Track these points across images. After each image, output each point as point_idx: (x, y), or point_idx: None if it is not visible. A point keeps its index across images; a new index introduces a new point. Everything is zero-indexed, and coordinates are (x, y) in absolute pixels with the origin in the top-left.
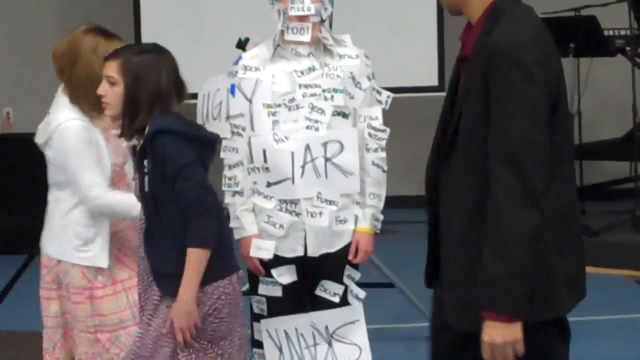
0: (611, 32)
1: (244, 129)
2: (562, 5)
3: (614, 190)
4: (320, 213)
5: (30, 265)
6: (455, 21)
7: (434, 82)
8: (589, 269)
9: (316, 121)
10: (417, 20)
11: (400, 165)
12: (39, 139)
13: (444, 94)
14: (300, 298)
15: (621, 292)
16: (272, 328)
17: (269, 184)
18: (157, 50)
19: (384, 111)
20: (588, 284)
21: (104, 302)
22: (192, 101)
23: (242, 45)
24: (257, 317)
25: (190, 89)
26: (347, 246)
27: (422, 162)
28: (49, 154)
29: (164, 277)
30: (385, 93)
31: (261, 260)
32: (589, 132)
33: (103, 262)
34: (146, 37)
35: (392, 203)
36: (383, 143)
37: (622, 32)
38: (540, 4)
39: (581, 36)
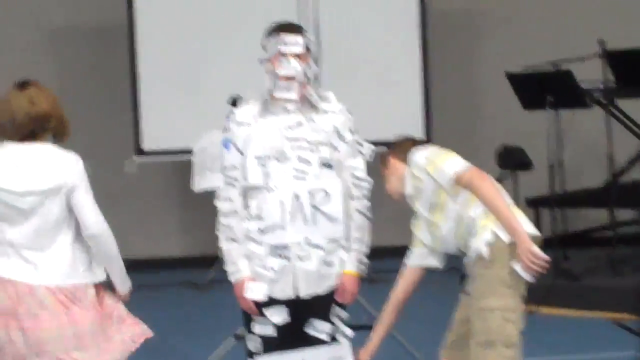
0: (588, 85)
1: (237, 180)
2: (541, 59)
3: (594, 237)
4: (309, 256)
5: None
6: (441, 74)
7: (420, 134)
8: (571, 312)
9: (303, 172)
10: (401, 75)
11: (393, 217)
12: None
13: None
14: (293, 336)
15: (601, 332)
16: None
17: (261, 231)
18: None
19: (374, 164)
20: (571, 324)
21: None
22: (184, 157)
23: (234, 102)
24: (251, 354)
25: (187, 143)
26: (335, 287)
27: (406, 213)
28: None
29: None
30: (367, 145)
31: (255, 302)
32: (572, 180)
33: None
34: (145, 97)
35: (382, 253)
36: (366, 192)
37: (598, 85)
38: (521, 58)
39: (558, 89)
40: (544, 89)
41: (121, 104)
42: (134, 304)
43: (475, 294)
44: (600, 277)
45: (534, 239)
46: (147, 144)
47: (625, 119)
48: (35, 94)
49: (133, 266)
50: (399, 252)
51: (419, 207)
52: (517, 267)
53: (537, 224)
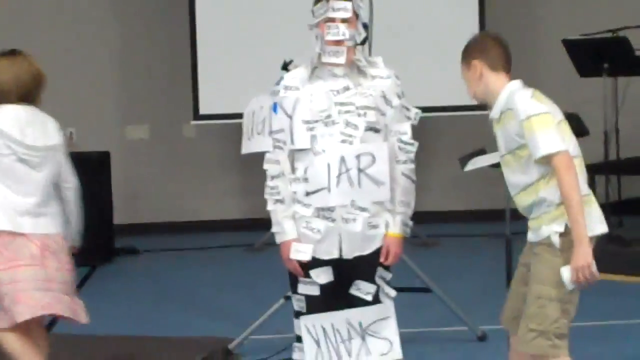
0: None
1: (285, 143)
2: (599, 27)
3: None
4: (354, 219)
5: (91, 276)
6: None
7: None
8: (622, 277)
9: (350, 136)
10: (457, 41)
11: (443, 182)
12: None
13: (483, 112)
14: (336, 297)
15: None
16: (311, 324)
17: (307, 193)
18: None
19: (426, 129)
20: (620, 290)
21: None
22: (239, 120)
23: (286, 66)
24: (297, 314)
25: (243, 108)
26: (379, 249)
27: (462, 179)
28: None
29: None
30: (414, 110)
31: (300, 262)
32: (627, 148)
33: None
34: (202, 61)
35: (434, 217)
36: (412, 155)
37: None
38: (579, 26)
39: (614, 56)
40: (600, 56)
41: (180, 70)
42: (192, 264)
43: (536, 277)
44: None
45: (599, 237)
46: (205, 108)
47: None
48: (28, 57)
49: (192, 228)
50: (452, 216)
51: (498, 135)
52: (565, 273)
53: (592, 191)
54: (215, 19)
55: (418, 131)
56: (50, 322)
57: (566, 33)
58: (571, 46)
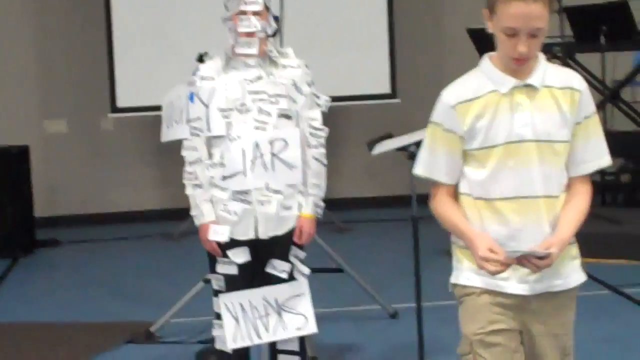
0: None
1: (201, 130)
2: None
3: None
4: (269, 201)
5: (13, 267)
6: (406, 32)
7: (387, 89)
8: None
9: (263, 122)
10: (369, 29)
11: (358, 170)
12: None
13: (397, 100)
14: (253, 275)
15: None
16: (229, 302)
17: (224, 178)
18: None
19: (337, 118)
20: None
21: None
22: (157, 113)
23: (201, 59)
24: (216, 293)
25: (160, 100)
26: (293, 229)
27: (377, 167)
28: None
29: None
30: (324, 97)
31: (219, 243)
32: None
33: None
34: (118, 55)
35: (349, 204)
36: (322, 140)
37: (557, 40)
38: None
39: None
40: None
41: (96, 64)
42: (114, 253)
43: (567, 328)
44: None
45: None
46: (122, 101)
47: (584, 72)
48: None
49: (112, 219)
50: (366, 203)
51: (530, 108)
52: None
53: None
54: (130, 13)
55: (329, 119)
56: None
57: (471, 22)
58: (476, 35)
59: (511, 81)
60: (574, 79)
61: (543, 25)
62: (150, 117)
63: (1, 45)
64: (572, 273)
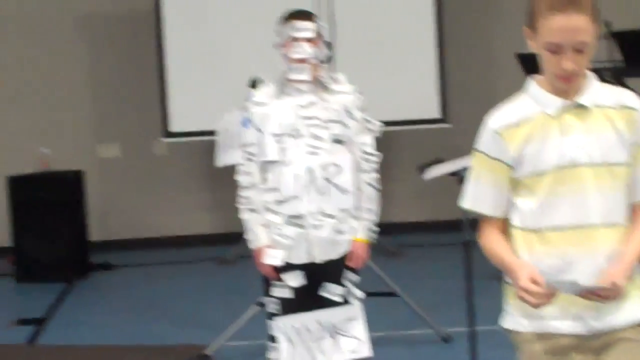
0: (596, 65)
1: (255, 155)
2: None
3: None
4: (322, 225)
5: (69, 291)
6: (456, 57)
7: (437, 114)
8: None
9: (317, 147)
10: (417, 55)
11: (410, 194)
12: None
13: (448, 125)
14: (308, 299)
15: None
16: (284, 325)
17: (278, 202)
18: None
19: (390, 143)
20: None
21: None
22: (210, 137)
23: (254, 84)
24: (271, 316)
25: (212, 125)
26: (347, 253)
27: (429, 191)
28: None
29: None
30: (376, 122)
31: (273, 267)
32: None
33: None
34: (171, 82)
35: (401, 228)
36: (375, 165)
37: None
38: None
39: None
40: None
41: (149, 89)
42: (167, 277)
43: None
44: None
45: None
46: (175, 126)
47: None
48: None
49: (165, 243)
50: (418, 227)
51: (581, 131)
52: None
53: None
54: (183, 38)
55: (381, 144)
56: (34, 335)
57: (521, 47)
58: (525, 60)
59: (559, 102)
60: (627, 97)
61: (588, 40)
62: (202, 141)
63: (55, 71)
64: (638, 306)
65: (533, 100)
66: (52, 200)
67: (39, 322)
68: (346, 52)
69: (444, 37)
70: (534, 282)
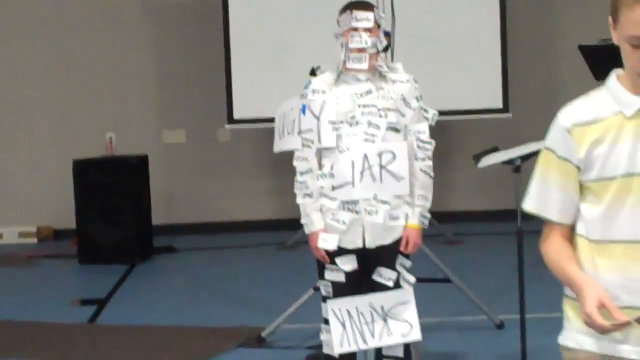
0: None
1: (312, 142)
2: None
3: None
4: (376, 211)
5: (131, 273)
6: (518, 47)
7: (499, 104)
8: None
9: (373, 135)
10: (481, 44)
11: (469, 183)
12: None
13: (508, 114)
14: (360, 282)
15: None
16: (337, 307)
17: (333, 188)
18: None
19: (449, 133)
20: None
21: None
22: (272, 124)
23: (313, 72)
24: (324, 299)
25: (272, 111)
26: (399, 239)
27: (487, 180)
28: None
29: None
30: (432, 111)
31: (327, 251)
32: None
33: None
34: (235, 68)
35: (459, 216)
36: (429, 153)
37: None
38: (597, 32)
39: None
40: (615, 61)
41: (214, 76)
42: (227, 261)
43: None
44: None
45: None
46: (238, 113)
47: None
48: None
49: (226, 227)
50: (476, 216)
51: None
52: None
53: None
54: (247, 29)
55: (442, 133)
56: (95, 314)
57: (584, 39)
58: (587, 51)
59: (638, 102)
60: None
61: None
62: (265, 128)
63: (123, 58)
64: None
65: (612, 97)
66: (117, 184)
67: (100, 303)
68: (405, 41)
69: (506, 26)
70: (602, 306)
